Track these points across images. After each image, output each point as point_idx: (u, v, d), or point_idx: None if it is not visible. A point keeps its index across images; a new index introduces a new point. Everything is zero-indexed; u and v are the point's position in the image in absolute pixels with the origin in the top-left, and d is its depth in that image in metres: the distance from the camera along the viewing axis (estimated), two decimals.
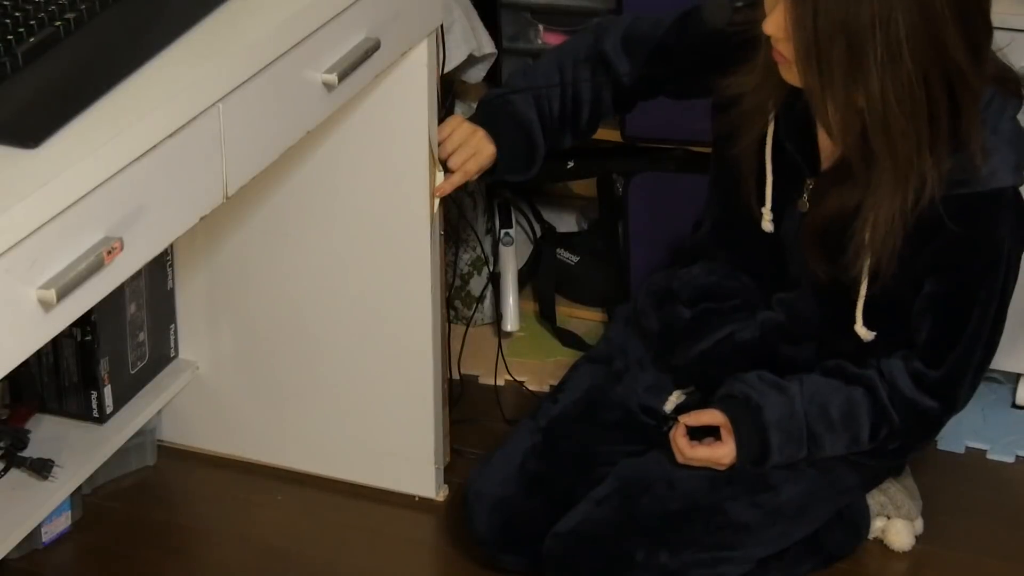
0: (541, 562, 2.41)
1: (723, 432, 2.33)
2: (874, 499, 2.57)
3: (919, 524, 2.60)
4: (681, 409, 2.44)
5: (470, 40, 2.89)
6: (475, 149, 2.48)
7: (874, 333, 2.29)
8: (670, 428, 2.39)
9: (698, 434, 2.36)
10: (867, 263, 2.21)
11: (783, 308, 2.36)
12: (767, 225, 2.34)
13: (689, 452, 2.33)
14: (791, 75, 2.14)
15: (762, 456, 2.31)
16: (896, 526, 2.58)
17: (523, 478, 2.45)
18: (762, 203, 2.34)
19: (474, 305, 3.10)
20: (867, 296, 2.25)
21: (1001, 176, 2.17)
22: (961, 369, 2.28)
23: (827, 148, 2.27)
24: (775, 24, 2.10)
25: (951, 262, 2.22)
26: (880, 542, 2.60)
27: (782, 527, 2.39)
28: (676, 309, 2.45)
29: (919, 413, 2.30)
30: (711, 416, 2.34)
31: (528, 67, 2.53)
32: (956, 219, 2.16)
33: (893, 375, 2.29)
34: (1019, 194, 2.22)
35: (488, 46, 2.95)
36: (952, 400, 2.30)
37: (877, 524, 2.59)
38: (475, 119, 2.50)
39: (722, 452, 2.32)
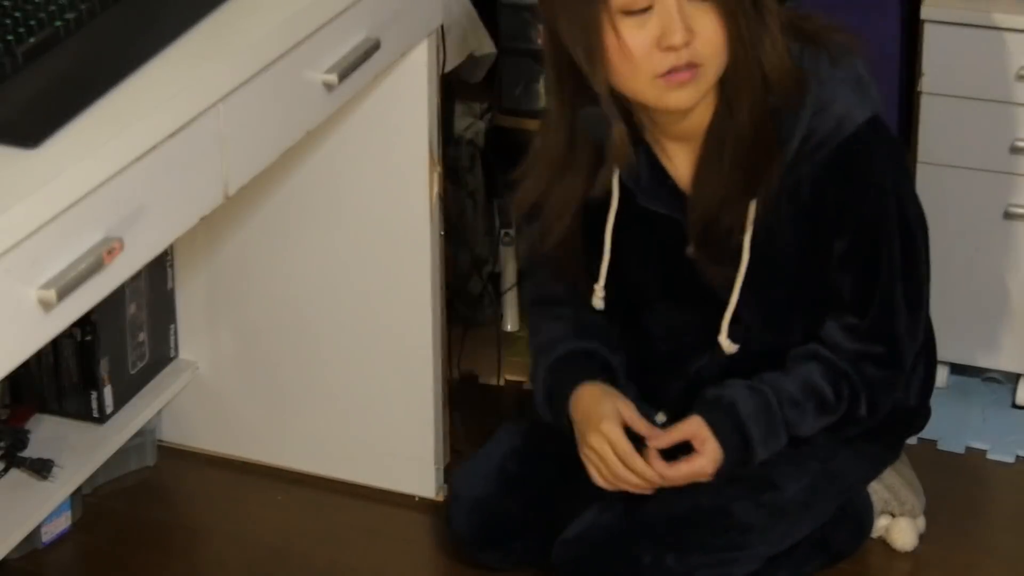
0: (519, 560, 2.46)
1: (696, 443, 2.28)
2: (878, 495, 2.57)
3: (921, 522, 2.60)
4: (671, 423, 2.43)
5: (470, 40, 2.89)
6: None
7: (736, 347, 2.31)
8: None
9: (674, 456, 2.34)
10: (744, 262, 2.24)
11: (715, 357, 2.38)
12: (598, 303, 2.37)
13: (670, 472, 2.28)
14: (698, 88, 2.15)
15: (746, 452, 2.29)
16: (900, 525, 2.58)
17: (502, 479, 2.46)
18: (595, 280, 2.36)
19: (474, 305, 3.10)
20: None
21: (852, 116, 2.19)
22: (887, 307, 2.29)
23: (684, 179, 2.28)
24: (712, 30, 2.12)
25: (845, 218, 2.24)
26: (883, 541, 2.60)
27: (787, 525, 2.39)
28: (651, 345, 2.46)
29: (871, 361, 2.30)
30: (684, 429, 2.29)
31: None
32: (833, 177, 2.20)
33: (832, 337, 2.30)
34: (878, 121, 2.23)
35: (488, 46, 2.95)
36: (893, 339, 2.31)
37: (881, 523, 2.59)
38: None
39: (702, 462, 2.28)
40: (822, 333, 2.32)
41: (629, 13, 2.11)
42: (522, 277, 2.51)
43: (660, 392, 2.45)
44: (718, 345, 2.33)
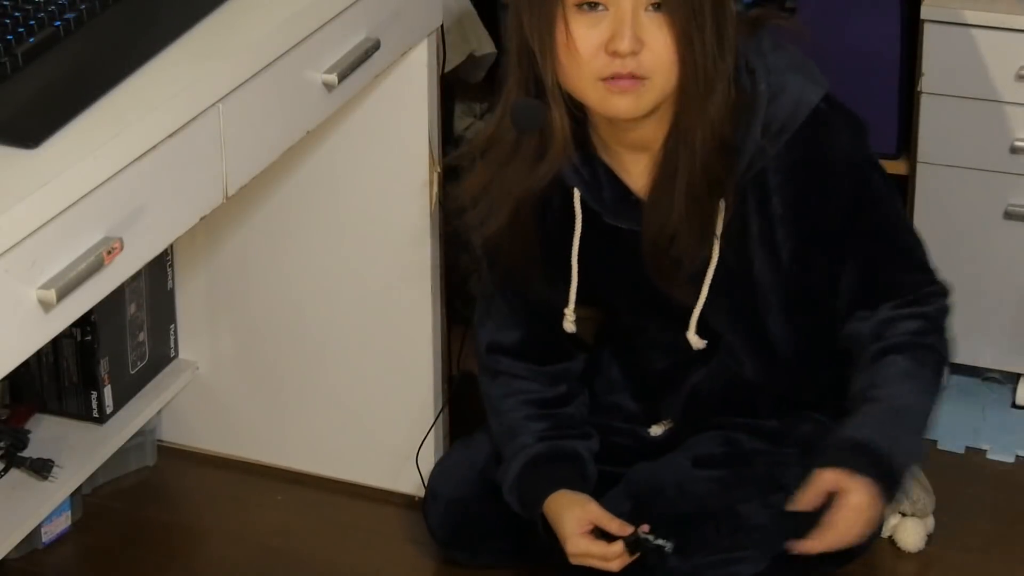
0: (491, 560, 2.49)
1: (839, 495, 2.15)
2: None
3: (931, 521, 2.60)
4: (672, 434, 2.42)
5: (470, 40, 2.89)
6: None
7: (704, 342, 2.29)
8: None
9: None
10: (713, 260, 2.23)
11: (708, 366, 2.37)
12: (569, 326, 2.36)
13: (826, 539, 2.15)
14: (640, 100, 2.12)
15: (896, 474, 2.18)
16: (908, 525, 2.58)
17: (482, 483, 2.45)
18: (565, 304, 2.35)
19: (474, 305, 3.10)
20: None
21: (804, 100, 2.18)
22: (916, 260, 2.27)
23: (643, 191, 2.25)
24: (663, 45, 2.09)
25: (830, 204, 2.22)
26: (890, 540, 2.60)
27: (793, 524, 2.37)
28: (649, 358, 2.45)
29: (936, 318, 2.26)
30: (815, 485, 2.16)
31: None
32: (802, 167, 2.19)
33: (878, 319, 2.24)
34: (831, 98, 2.22)
35: (488, 46, 2.95)
36: (924, 270, 2.29)
37: (891, 522, 2.59)
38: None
39: (854, 499, 2.14)
40: (861, 325, 2.25)
41: (582, 8, 2.10)
42: (479, 315, 2.49)
43: (661, 404, 2.45)
44: (714, 361, 2.33)
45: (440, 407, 2.69)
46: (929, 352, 2.25)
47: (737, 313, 2.31)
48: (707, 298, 2.27)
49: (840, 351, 2.30)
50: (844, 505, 2.15)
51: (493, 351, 2.46)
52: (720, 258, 2.24)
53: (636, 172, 2.26)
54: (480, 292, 2.52)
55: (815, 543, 2.17)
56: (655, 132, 2.20)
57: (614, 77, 2.10)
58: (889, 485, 2.18)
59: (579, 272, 2.33)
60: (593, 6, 2.09)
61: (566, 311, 2.36)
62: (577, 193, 2.28)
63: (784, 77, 2.19)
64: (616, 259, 2.31)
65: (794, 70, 2.20)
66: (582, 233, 2.31)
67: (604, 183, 2.26)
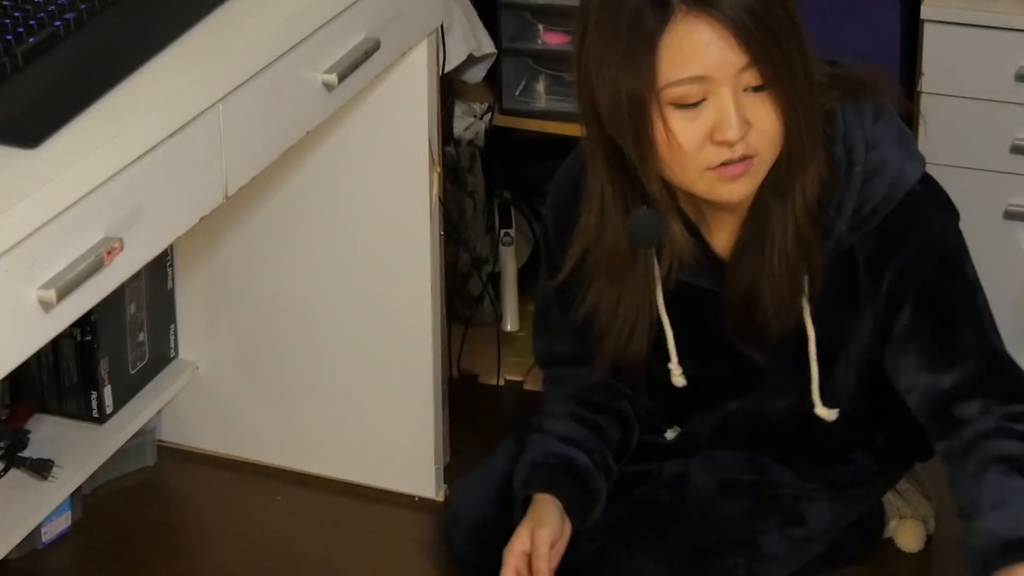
0: None
1: None
2: (889, 502, 2.57)
3: (931, 525, 2.60)
4: (685, 438, 2.41)
5: (470, 40, 2.89)
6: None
7: (836, 411, 2.23)
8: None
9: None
10: (809, 329, 2.16)
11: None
12: (678, 380, 2.27)
13: None
14: (753, 180, 2.04)
15: None
16: (907, 526, 2.58)
17: (501, 501, 2.38)
18: (668, 359, 2.26)
19: (474, 305, 3.10)
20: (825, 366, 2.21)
21: (901, 182, 2.11)
22: (994, 355, 2.18)
23: (725, 250, 2.18)
24: (768, 121, 1.99)
25: (914, 284, 2.14)
26: (890, 541, 2.60)
27: (808, 550, 2.36)
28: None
29: (1012, 403, 2.16)
30: None
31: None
32: (890, 248, 2.11)
33: (963, 417, 2.14)
34: (928, 179, 2.15)
35: (488, 46, 2.95)
36: (1005, 366, 2.18)
37: (890, 524, 2.59)
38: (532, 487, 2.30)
39: None
40: (946, 426, 2.15)
41: (681, 107, 1.98)
42: (535, 327, 2.44)
43: (687, 420, 2.40)
44: (749, 395, 2.29)
45: (440, 407, 2.69)
46: None
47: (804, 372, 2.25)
48: (818, 369, 2.20)
49: (895, 408, 2.25)
50: None
51: (548, 363, 2.42)
52: (815, 329, 2.17)
53: (720, 230, 2.17)
54: (537, 307, 2.44)
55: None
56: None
57: (724, 164, 2.00)
58: None
59: (662, 324, 2.24)
60: (693, 104, 1.98)
61: (671, 366, 2.26)
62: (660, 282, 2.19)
63: (883, 154, 2.10)
64: (689, 318, 2.23)
65: (895, 146, 2.12)
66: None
67: (684, 241, 2.15)
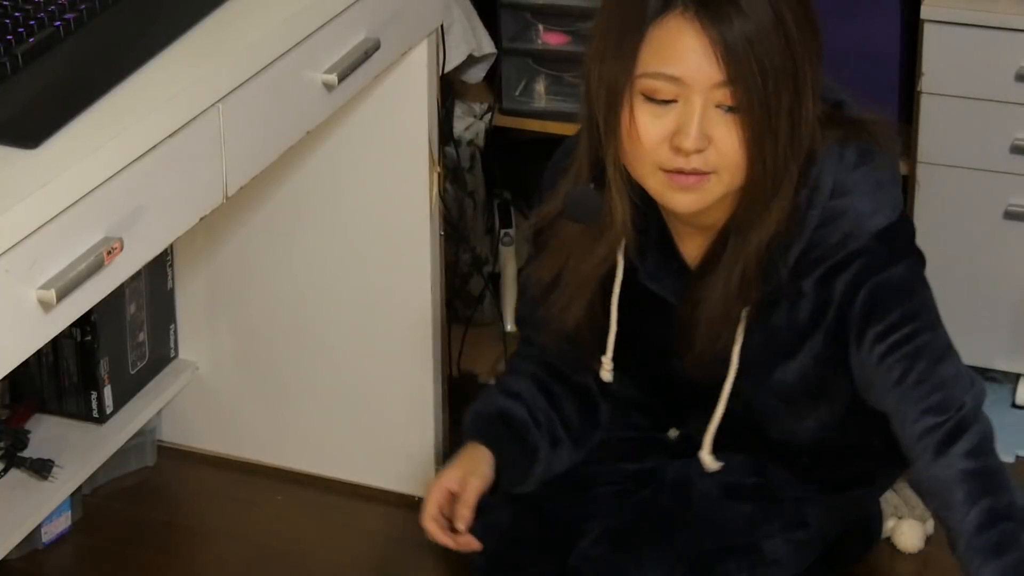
0: None
1: None
2: (888, 502, 2.57)
3: (930, 525, 2.60)
4: (685, 438, 2.41)
5: (470, 40, 2.89)
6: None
7: (720, 464, 2.23)
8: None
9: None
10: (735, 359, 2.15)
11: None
12: (606, 375, 2.26)
13: None
14: (703, 196, 2.01)
15: None
16: (905, 527, 2.58)
17: (515, 506, 2.34)
18: (603, 352, 2.24)
19: (474, 305, 3.10)
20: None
21: (856, 232, 2.06)
22: (955, 380, 2.13)
23: (693, 261, 2.16)
24: (731, 145, 1.96)
25: (882, 324, 2.08)
26: (889, 542, 2.60)
27: (810, 552, 2.36)
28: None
29: (981, 426, 2.16)
30: None
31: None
32: (857, 288, 2.07)
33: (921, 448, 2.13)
34: (889, 233, 2.08)
35: (488, 46, 2.95)
36: (955, 392, 2.13)
37: (888, 524, 2.59)
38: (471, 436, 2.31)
39: None
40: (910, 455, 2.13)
41: (650, 99, 1.97)
42: (519, 292, 2.43)
43: (688, 421, 2.38)
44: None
45: (440, 407, 2.69)
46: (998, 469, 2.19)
47: (754, 412, 2.24)
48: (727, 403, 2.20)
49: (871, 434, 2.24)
50: None
51: (524, 323, 2.39)
52: (739, 359, 2.15)
53: (691, 244, 2.15)
54: (522, 268, 2.42)
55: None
56: (716, 217, 2.08)
57: (677, 172, 1.98)
58: None
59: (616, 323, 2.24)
60: (663, 101, 1.96)
61: (603, 359, 2.25)
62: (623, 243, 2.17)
63: (847, 202, 2.06)
64: (644, 318, 2.22)
65: (867, 195, 2.07)
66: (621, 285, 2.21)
67: (652, 244, 2.16)
